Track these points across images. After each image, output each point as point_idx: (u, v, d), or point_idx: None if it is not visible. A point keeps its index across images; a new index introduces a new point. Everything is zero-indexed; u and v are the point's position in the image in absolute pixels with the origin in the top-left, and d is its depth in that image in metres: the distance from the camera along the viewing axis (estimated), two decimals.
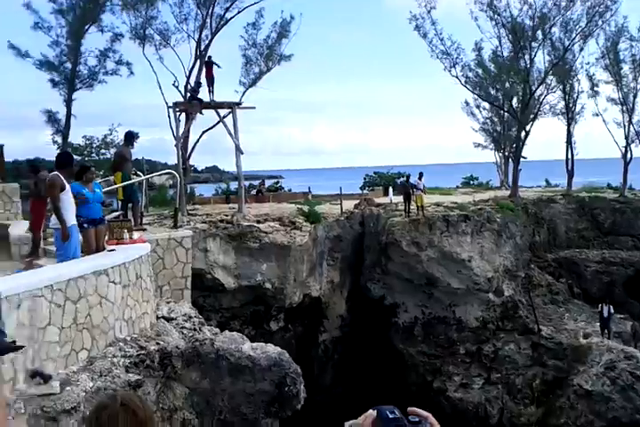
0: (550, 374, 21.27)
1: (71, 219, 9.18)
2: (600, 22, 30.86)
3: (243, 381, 8.83)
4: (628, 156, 34.39)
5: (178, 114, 22.93)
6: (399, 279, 23.59)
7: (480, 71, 34.16)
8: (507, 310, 22.87)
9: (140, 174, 15.24)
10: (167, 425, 7.49)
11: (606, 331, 22.11)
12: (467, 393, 21.04)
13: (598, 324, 22.74)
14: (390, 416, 1.77)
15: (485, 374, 21.62)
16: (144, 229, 13.29)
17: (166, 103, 23.81)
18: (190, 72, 26.33)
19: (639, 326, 24.68)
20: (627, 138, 34.42)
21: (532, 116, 32.42)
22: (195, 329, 9.53)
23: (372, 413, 1.82)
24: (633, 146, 34.50)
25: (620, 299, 26.99)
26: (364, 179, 41.98)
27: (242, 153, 22.71)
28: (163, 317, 9.68)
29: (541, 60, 31.39)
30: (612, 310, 22.58)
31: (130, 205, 13.84)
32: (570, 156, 34.70)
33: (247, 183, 32.99)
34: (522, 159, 31.87)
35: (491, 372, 21.60)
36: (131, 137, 15.26)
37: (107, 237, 10.62)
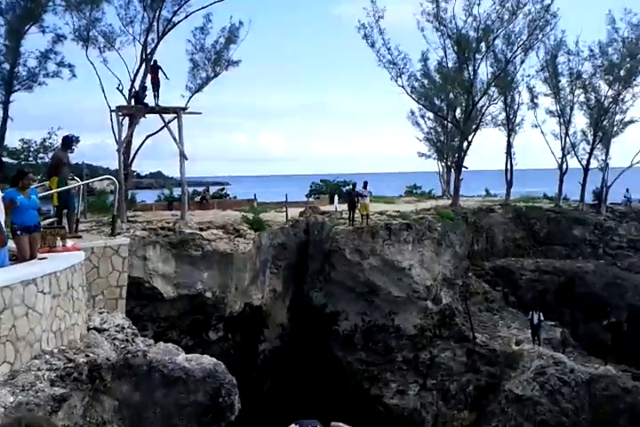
0: (483, 380, 21.96)
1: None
2: (540, 35, 32.16)
3: (176, 392, 8.80)
4: (564, 167, 35.83)
5: (121, 118, 22.57)
6: (341, 287, 23.87)
7: (425, 81, 34.93)
8: (444, 317, 23.48)
9: (78, 180, 14.95)
10: None
11: (536, 338, 22.96)
12: (402, 399, 21.50)
13: (530, 331, 23.60)
14: None
15: (421, 380, 22.14)
16: (79, 237, 13.06)
17: (109, 107, 23.40)
18: (135, 76, 25.90)
19: (568, 332, 25.78)
20: (563, 149, 35.85)
21: (474, 126, 33.33)
22: (127, 340, 9.44)
23: None
24: (568, 157, 36.02)
25: (552, 307, 28.05)
26: (310, 187, 42.21)
27: (186, 159, 22.58)
28: (94, 328, 9.55)
29: (484, 71, 32.44)
30: (542, 318, 23.47)
31: (65, 211, 13.57)
32: (509, 166, 35.85)
33: (191, 190, 32.69)
34: (463, 169, 32.76)
35: (426, 378, 22.14)
36: (69, 141, 15.01)
37: (39, 245, 10.40)
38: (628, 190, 37.06)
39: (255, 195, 33.71)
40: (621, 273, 30.54)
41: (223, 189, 38.14)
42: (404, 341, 22.96)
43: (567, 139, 35.78)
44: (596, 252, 33.06)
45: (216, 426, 8.86)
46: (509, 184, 35.61)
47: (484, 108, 33.73)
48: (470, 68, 31.12)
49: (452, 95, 34.04)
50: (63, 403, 7.01)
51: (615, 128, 36.22)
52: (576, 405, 20.64)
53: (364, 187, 24.81)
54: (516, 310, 27.11)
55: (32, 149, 29.10)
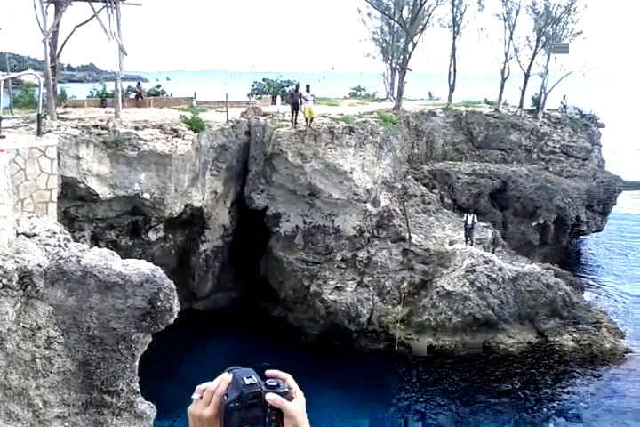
0: (417, 277, 23.10)
1: None
2: None
3: (112, 297, 8.82)
4: (506, 72, 35.75)
5: (45, 5, 20.65)
6: (283, 190, 23.91)
7: None
8: (382, 219, 24.09)
9: None
10: (29, 344, 7.42)
11: (469, 238, 24.03)
12: (340, 295, 22.45)
13: (463, 232, 24.64)
14: (247, 382, 1.65)
15: (358, 278, 23.07)
16: (2, 137, 12.31)
17: None
18: None
19: (499, 233, 27.09)
20: (506, 54, 35.60)
21: (420, 27, 32.40)
22: (59, 246, 9.22)
23: (226, 377, 1.68)
24: (512, 62, 35.87)
25: (486, 209, 29.23)
26: (252, 86, 40.62)
27: (125, 54, 21.25)
28: (23, 233, 9.25)
29: None
30: (476, 219, 24.44)
31: None
32: (452, 69, 35.46)
33: (125, 86, 30.94)
34: (408, 71, 32.21)
35: (363, 276, 23.07)
36: None
37: None
38: (564, 97, 37.65)
39: (195, 93, 32.24)
40: (552, 177, 31.79)
41: (159, 86, 36.22)
42: (343, 241, 23.60)
43: (511, 43, 35.47)
44: (530, 156, 34.09)
45: (155, 328, 9.01)
46: (452, 88, 35.43)
47: (432, 8, 32.75)
48: None
49: None
50: None
51: (566, 39, 35.99)
52: (502, 300, 22.14)
53: (307, 90, 24.10)
54: (451, 211, 28.05)
55: None
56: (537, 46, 35.43)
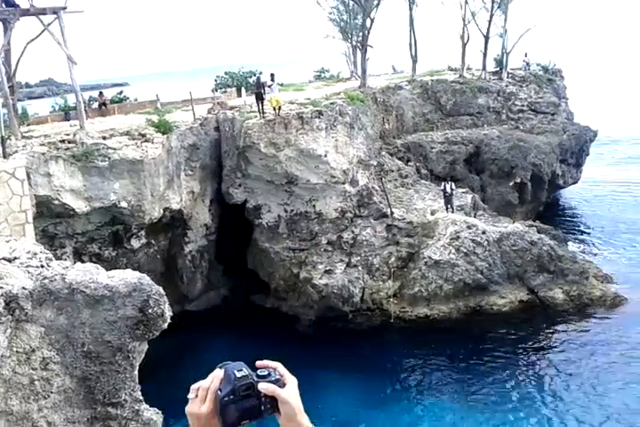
0: (404, 250, 23.39)
1: None
2: None
3: (103, 310, 8.93)
4: (465, 37, 35.78)
5: None
6: (260, 181, 23.96)
7: None
8: (362, 198, 24.29)
9: None
10: (25, 367, 7.55)
11: (449, 206, 24.32)
12: (331, 278, 22.69)
13: (443, 200, 24.92)
14: (238, 375, 1.71)
15: (346, 258, 23.31)
16: None
17: None
18: None
19: (478, 197, 27.43)
20: (463, 19, 35.58)
21: (375, 1, 32.24)
22: (42, 266, 9.30)
23: (218, 373, 1.75)
24: (470, 26, 35.86)
25: (462, 175, 29.54)
26: (215, 80, 40.35)
27: (75, 64, 21.08)
28: (3, 258, 9.31)
29: None
30: (454, 187, 24.72)
31: None
32: (413, 41, 35.43)
33: (87, 96, 30.65)
34: (369, 48, 32.14)
35: (351, 256, 23.31)
36: None
37: None
38: (526, 55, 37.82)
39: (158, 95, 31.99)
40: (524, 136, 32.12)
41: (122, 93, 35.84)
42: (326, 224, 23.77)
43: (467, 8, 35.42)
44: (499, 118, 34.35)
45: (149, 335, 9.16)
46: (414, 59, 35.42)
47: None
48: None
49: None
50: None
51: None
52: (489, 262, 22.51)
53: (272, 79, 24.04)
54: (429, 182, 28.31)
55: None
56: (492, 7, 35.47)
